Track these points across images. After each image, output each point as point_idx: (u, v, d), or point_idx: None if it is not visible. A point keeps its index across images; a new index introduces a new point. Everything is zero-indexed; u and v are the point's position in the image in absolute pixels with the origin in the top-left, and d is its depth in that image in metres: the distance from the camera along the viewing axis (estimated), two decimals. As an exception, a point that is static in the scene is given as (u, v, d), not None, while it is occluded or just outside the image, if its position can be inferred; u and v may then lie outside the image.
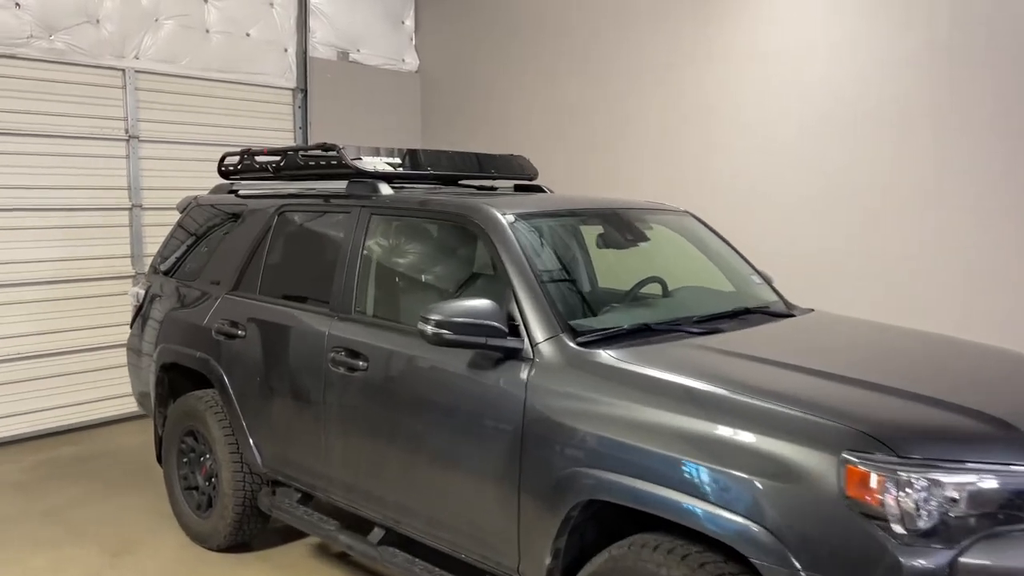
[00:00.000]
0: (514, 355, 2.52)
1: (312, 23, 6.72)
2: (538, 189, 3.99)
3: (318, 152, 3.55)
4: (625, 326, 2.59)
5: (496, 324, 2.47)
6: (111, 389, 5.61)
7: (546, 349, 2.47)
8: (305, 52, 6.68)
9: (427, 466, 2.77)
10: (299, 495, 3.46)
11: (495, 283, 2.76)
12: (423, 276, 3.37)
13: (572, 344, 2.45)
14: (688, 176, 5.56)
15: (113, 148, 5.64)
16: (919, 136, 4.54)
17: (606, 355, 2.38)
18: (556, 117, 6.37)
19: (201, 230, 4.23)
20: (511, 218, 2.83)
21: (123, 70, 5.63)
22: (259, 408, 3.48)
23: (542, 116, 6.47)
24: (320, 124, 6.71)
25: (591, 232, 3.54)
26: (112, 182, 5.65)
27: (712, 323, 2.80)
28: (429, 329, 2.46)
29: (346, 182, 3.48)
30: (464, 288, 3.19)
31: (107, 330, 5.60)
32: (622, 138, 5.96)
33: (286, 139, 6.64)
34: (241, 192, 4.11)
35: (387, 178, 3.44)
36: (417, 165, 3.65)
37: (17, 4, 5.12)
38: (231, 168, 4.11)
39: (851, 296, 4.60)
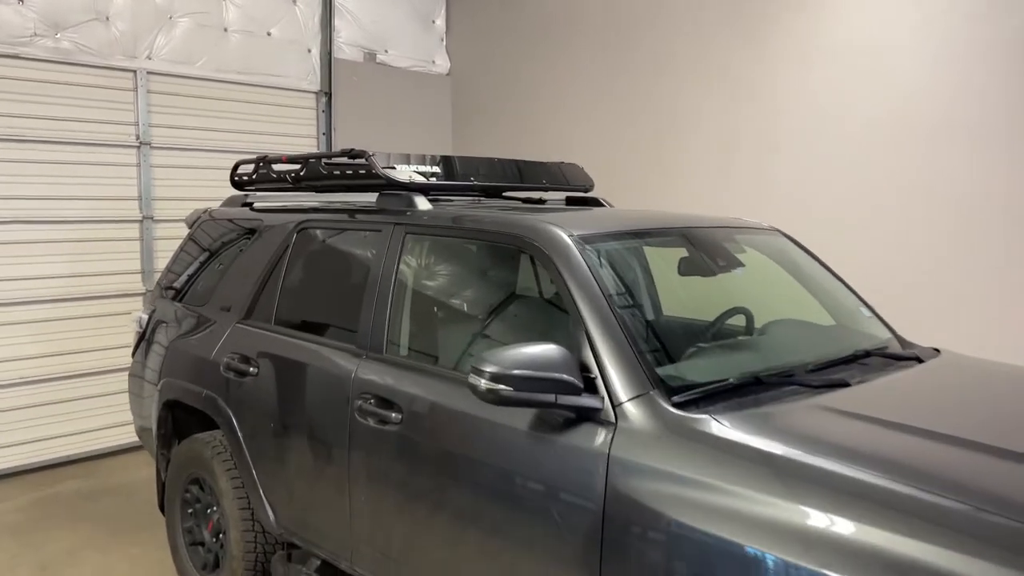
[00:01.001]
0: (590, 416, 1.99)
1: (337, 22, 6.28)
2: (595, 202, 3.46)
3: (344, 160, 3.05)
4: (732, 380, 2.05)
5: (569, 379, 1.95)
6: (119, 416, 5.14)
7: (633, 412, 1.93)
8: (330, 53, 6.24)
9: (476, 544, 2.25)
10: (319, 562, 2.94)
11: (547, 314, 2.24)
12: (468, 309, 2.85)
13: (668, 406, 1.91)
14: (746, 186, 5.00)
15: (123, 155, 5.20)
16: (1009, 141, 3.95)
17: (717, 424, 1.84)
18: (598, 121, 5.84)
19: (211, 248, 3.76)
20: (582, 241, 2.30)
21: (134, 71, 5.21)
22: (273, 459, 2.98)
23: (583, 120, 5.94)
24: (345, 129, 6.28)
25: (657, 254, 3.02)
26: (121, 192, 5.22)
27: (829, 371, 2.25)
28: (483, 384, 1.94)
29: (376, 194, 3.00)
30: (509, 318, 2.68)
31: (115, 352, 5.16)
32: (674, 143, 5.40)
33: (309, 145, 6.20)
34: (256, 205, 3.64)
35: (423, 190, 2.94)
36: (452, 174, 3.16)
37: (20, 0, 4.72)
38: (245, 178, 3.65)
39: (937, 325, 4.00)
